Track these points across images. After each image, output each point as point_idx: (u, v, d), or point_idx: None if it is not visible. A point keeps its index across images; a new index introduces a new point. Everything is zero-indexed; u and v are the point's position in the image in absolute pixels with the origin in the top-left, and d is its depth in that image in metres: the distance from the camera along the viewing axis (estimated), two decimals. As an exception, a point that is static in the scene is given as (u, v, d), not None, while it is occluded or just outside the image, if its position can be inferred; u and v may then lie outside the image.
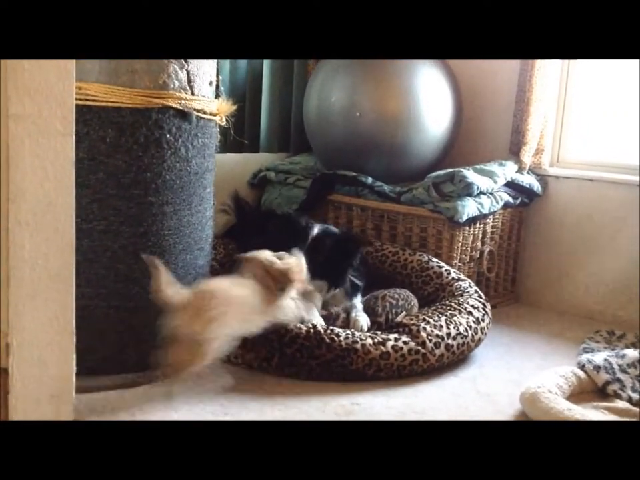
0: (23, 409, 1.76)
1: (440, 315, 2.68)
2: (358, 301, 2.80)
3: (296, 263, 2.21)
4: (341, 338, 2.44)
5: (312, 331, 2.45)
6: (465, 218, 3.12)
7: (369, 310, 2.76)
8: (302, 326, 2.47)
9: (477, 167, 3.34)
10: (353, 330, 2.57)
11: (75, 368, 1.86)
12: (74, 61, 1.61)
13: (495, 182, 3.29)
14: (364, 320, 2.67)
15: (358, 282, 2.82)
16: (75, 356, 1.85)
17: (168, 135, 2.26)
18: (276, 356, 2.41)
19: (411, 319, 2.65)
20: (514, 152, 3.51)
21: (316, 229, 2.73)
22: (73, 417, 1.86)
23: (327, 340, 2.43)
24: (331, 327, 2.51)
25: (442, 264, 3.10)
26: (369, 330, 2.63)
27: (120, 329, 2.29)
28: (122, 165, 2.21)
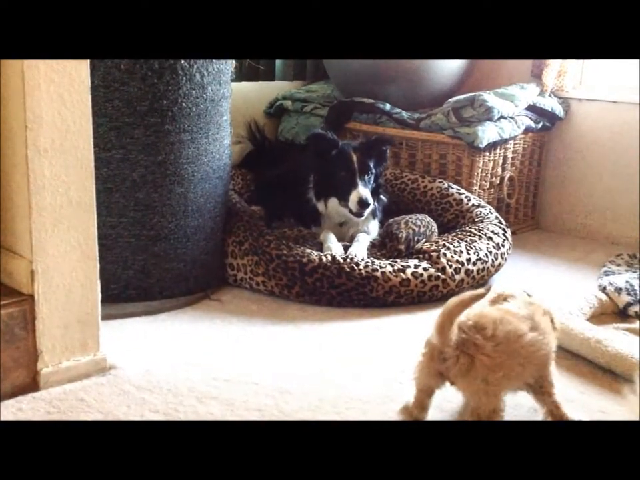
0: (50, 334, 1.80)
1: (460, 241, 2.67)
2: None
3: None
4: (361, 267, 2.45)
5: (330, 260, 2.45)
6: (485, 143, 3.08)
7: (390, 235, 2.74)
8: (322, 256, 2.47)
9: (498, 90, 3.27)
10: (371, 258, 2.57)
11: (99, 294, 1.89)
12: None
13: (516, 106, 3.22)
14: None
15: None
16: (99, 282, 1.87)
17: (182, 61, 2.22)
18: (297, 284, 2.43)
19: (431, 245, 2.64)
20: (536, 74, 3.43)
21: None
22: (99, 343, 1.90)
23: (347, 269, 2.43)
24: (350, 256, 2.51)
25: (462, 190, 3.08)
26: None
27: (142, 257, 2.31)
28: (137, 92, 2.18)
